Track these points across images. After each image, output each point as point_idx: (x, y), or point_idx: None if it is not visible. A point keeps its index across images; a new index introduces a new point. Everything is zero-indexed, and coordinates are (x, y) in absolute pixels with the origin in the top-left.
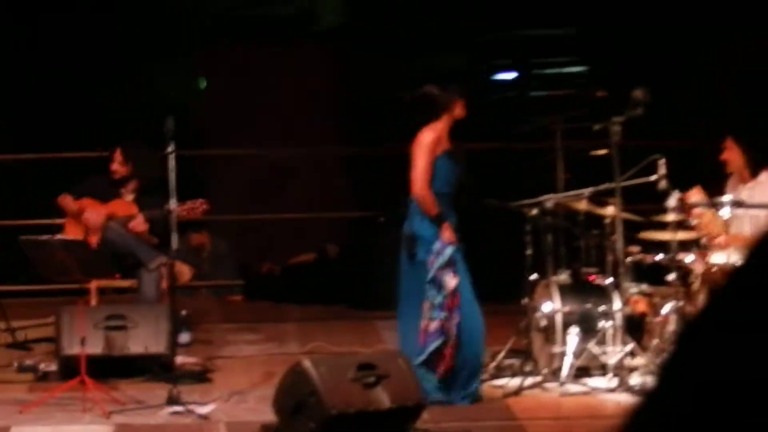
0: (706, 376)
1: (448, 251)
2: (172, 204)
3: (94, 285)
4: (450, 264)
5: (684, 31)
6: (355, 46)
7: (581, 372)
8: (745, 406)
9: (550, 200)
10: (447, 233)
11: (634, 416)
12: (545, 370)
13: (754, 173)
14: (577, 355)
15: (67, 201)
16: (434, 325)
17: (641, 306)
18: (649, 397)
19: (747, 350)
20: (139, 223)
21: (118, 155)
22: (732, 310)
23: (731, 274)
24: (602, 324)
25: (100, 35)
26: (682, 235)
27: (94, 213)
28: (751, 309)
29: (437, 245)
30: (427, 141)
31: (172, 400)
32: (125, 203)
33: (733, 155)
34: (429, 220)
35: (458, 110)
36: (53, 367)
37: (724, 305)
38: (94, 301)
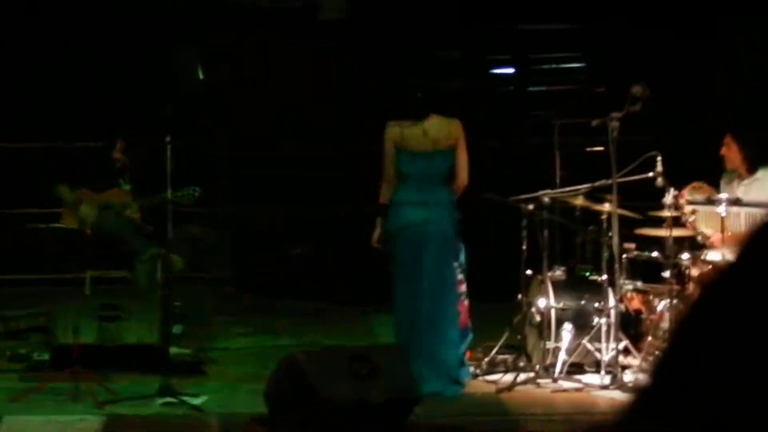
0: (700, 372)
1: None
2: (168, 193)
3: (88, 275)
4: None
5: (683, 27)
6: (357, 40)
7: (575, 368)
8: (739, 401)
9: (546, 195)
10: None
11: (628, 413)
12: (539, 366)
13: (751, 170)
14: (571, 351)
15: (63, 191)
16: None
17: (636, 303)
18: (642, 394)
19: (740, 346)
20: (134, 212)
21: (118, 144)
22: (725, 306)
23: (724, 268)
24: (596, 320)
25: (103, 24)
26: (677, 233)
27: (89, 208)
28: (744, 305)
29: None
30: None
31: (164, 391)
32: (121, 192)
33: (731, 152)
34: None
35: None
36: (46, 356)
37: (718, 301)
38: (87, 291)
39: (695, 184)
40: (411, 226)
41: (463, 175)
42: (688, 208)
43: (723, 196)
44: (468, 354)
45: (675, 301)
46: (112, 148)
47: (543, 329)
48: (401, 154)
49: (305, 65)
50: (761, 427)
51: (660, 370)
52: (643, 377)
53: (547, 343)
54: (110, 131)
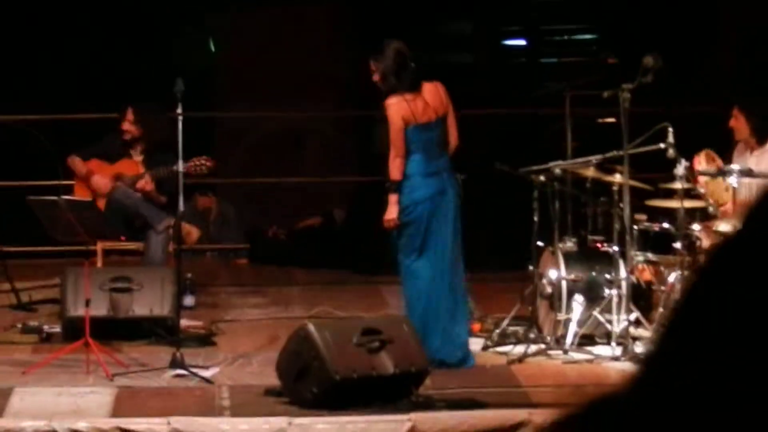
0: (704, 341)
1: None
2: (180, 165)
3: (100, 246)
4: None
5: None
6: (365, 12)
7: (585, 340)
8: (743, 372)
9: (557, 167)
10: None
11: (633, 383)
12: (549, 338)
13: (761, 141)
14: (582, 322)
15: (76, 162)
16: None
17: (647, 274)
18: (647, 363)
19: (745, 315)
20: (147, 183)
21: (129, 115)
22: (730, 274)
23: (729, 237)
24: (607, 292)
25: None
26: (689, 204)
27: (102, 177)
28: (749, 273)
29: None
30: None
31: (175, 363)
32: (133, 163)
33: (739, 123)
34: None
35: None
36: (57, 328)
37: (722, 270)
38: (99, 263)
39: (707, 151)
40: (429, 198)
41: (455, 136)
42: (700, 179)
43: (735, 166)
44: (477, 326)
45: (686, 273)
46: (121, 119)
47: (554, 301)
48: (409, 128)
49: (312, 37)
50: (765, 397)
51: (664, 340)
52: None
53: (558, 314)
54: (119, 103)
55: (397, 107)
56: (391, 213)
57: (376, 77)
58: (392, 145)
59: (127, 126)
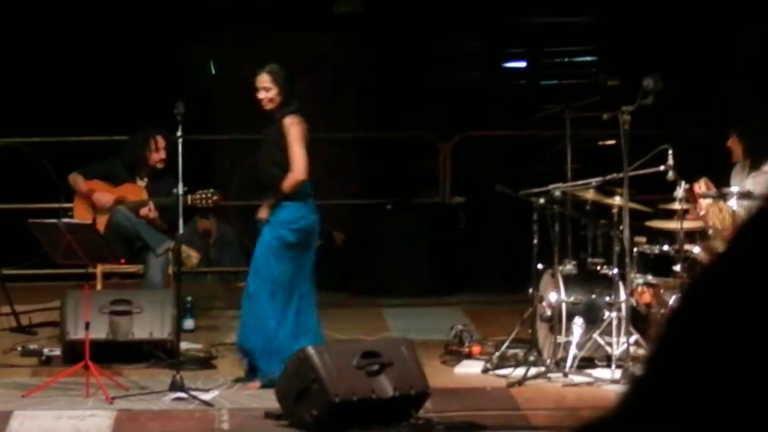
0: (692, 361)
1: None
2: (181, 189)
3: (99, 269)
4: None
5: (695, 20)
6: (371, 32)
7: (585, 362)
8: (732, 391)
9: (557, 189)
10: None
11: (622, 404)
12: (549, 361)
13: (754, 164)
14: (582, 345)
15: (78, 180)
16: None
17: (647, 297)
18: (637, 383)
19: (731, 335)
20: (151, 210)
21: (157, 141)
22: (717, 293)
23: (716, 257)
24: (607, 314)
25: (121, 18)
26: (688, 226)
27: (104, 195)
28: (736, 292)
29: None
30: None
31: (175, 386)
32: (137, 187)
33: (735, 145)
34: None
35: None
36: (57, 351)
37: (709, 289)
38: (99, 286)
39: (707, 180)
40: (310, 221)
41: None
42: (701, 202)
43: (734, 188)
44: (478, 348)
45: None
46: (144, 143)
47: (554, 323)
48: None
49: (320, 59)
50: (754, 415)
51: (652, 360)
52: (636, 368)
53: (558, 337)
54: (130, 127)
55: (300, 126)
56: (265, 213)
57: (267, 95)
58: (298, 161)
59: (154, 155)
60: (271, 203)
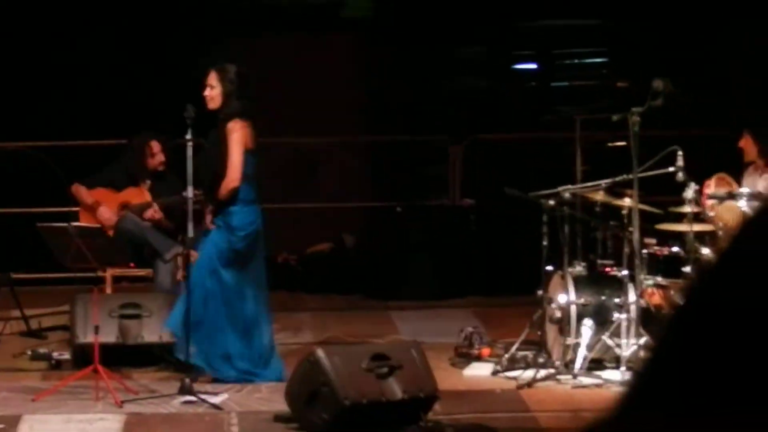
0: (692, 362)
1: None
2: (189, 192)
3: (109, 273)
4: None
5: (705, 21)
6: (380, 37)
7: (595, 364)
8: (731, 392)
9: (567, 191)
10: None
11: (620, 405)
12: (559, 362)
13: None
14: (591, 347)
15: (81, 192)
16: None
17: (656, 298)
18: (634, 385)
19: (731, 334)
20: (156, 211)
21: (154, 145)
22: (719, 292)
23: (718, 256)
24: (617, 316)
25: (130, 23)
26: (698, 227)
27: (108, 209)
28: (738, 290)
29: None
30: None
31: (184, 390)
32: (140, 191)
33: (748, 145)
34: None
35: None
36: (67, 355)
37: (711, 288)
38: (109, 290)
39: (720, 175)
40: (259, 225)
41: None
42: (708, 203)
43: (744, 190)
44: (487, 350)
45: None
46: (140, 151)
47: (563, 325)
48: (246, 154)
49: (330, 64)
50: (753, 418)
51: (652, 360)
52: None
53: (568, 339)
54: (131, 131)
55: (242, 132)
56: (209, 220)
57: (209, 92)
58: (233, 168)
59: (151, 160)
60: (212, 210)
